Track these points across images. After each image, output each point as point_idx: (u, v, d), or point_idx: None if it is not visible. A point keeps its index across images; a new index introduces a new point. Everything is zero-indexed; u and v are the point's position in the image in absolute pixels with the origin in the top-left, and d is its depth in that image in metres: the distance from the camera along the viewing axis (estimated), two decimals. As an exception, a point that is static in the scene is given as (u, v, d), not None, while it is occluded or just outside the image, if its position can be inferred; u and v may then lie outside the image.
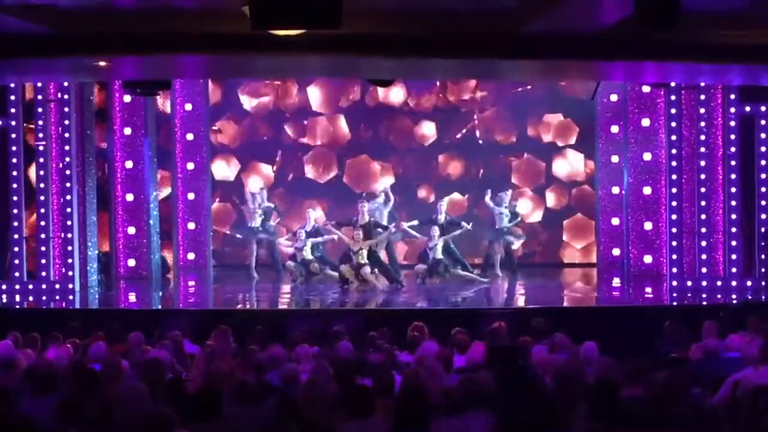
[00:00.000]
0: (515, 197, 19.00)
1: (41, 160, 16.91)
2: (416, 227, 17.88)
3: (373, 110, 20.53)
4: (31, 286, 16.85)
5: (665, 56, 11.61)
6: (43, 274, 16.90)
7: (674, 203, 16.70)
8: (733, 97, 16.50)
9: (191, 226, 19.74)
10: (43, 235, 16.90)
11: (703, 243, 16.58)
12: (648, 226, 18.11)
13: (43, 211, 16.91)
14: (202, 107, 19.80)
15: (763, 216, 16.55)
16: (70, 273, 16.96)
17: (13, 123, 16.88)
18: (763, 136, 16.61)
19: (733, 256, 16.56)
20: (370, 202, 17.86)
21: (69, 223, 17.02)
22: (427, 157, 20.41)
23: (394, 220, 18.08)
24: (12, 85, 16.62)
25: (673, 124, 16.72)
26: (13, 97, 16.83)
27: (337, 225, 17.65)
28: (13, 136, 16.89)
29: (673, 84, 16.30)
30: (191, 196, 19.71)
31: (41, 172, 16.91)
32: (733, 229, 16.58)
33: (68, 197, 17.02)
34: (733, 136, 16.55)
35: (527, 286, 17.71)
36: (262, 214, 18.39)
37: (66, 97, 16.94)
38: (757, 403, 6.93)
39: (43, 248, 16.91)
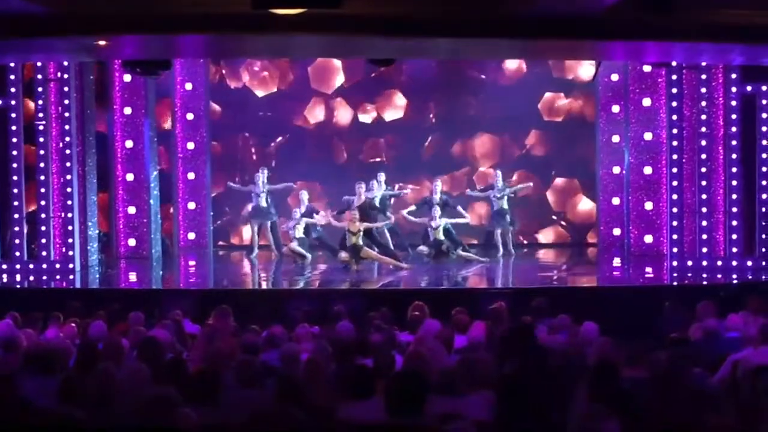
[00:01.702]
0: (507, 177, 18.92)
1: (41, 139, 16.89)
2: (414, 212, 17.88)
3: (373, 90, 20.45)
4: (31, 266, 16.85)
5: (666, 36, 11.58)
6: (44, 254, 16.90)
7: (675, 183, 16.67)
8: (734, 76, 16.44)
9: (191, 205, 19.73)
10: (43, 215, 16.90)
11: (704, 223, 16.55)
12: (649, 205, 18.09)
13: (43, 190, 16.90)
14: (202, 87, 19.77)
15: (764, 196, 16.50)
16: (71, 253, 16.95)
17: (13, 102, 16.84)
18: (764, 115, 16.53)
19: (734, 236, 16.53)
20: (368, 184, 17.84)
21: (69, 202, 17.00)
22: (424, 136, 20.33)
23: (392, 199, 18.09)
24: (12, 64, 16.58)
25: (674, 103, 16.67)
26: (12, 77, 16.79)
27: (338, 214, 17.43)
28: (13, 115, 16.86)
29: (674, 63, 16.25)
30: (191, 175, 19.70)
31: (41, 152, 16.89)
32: (734, 209, 16.55)
33: (68, 177, 17.00)
34: (734, 116, 16.49)
35: (527, 266, 17.70)
36: (266, 195, 18.22)
37: (66, 76, 16.90)
38: (756, 382, 6.93)
39: (43, 228, 16.91)
